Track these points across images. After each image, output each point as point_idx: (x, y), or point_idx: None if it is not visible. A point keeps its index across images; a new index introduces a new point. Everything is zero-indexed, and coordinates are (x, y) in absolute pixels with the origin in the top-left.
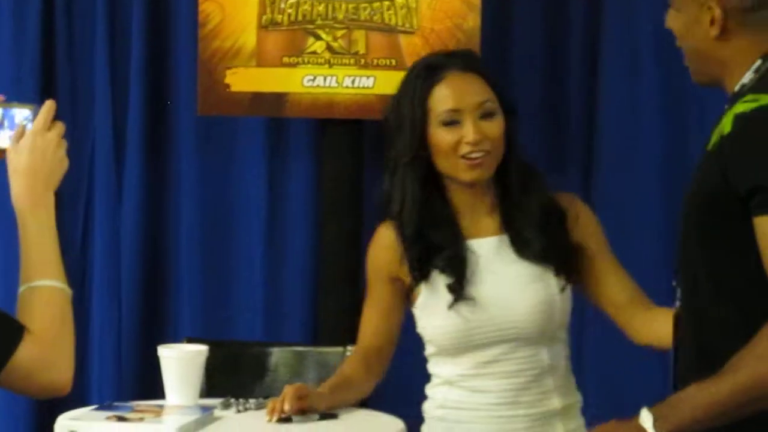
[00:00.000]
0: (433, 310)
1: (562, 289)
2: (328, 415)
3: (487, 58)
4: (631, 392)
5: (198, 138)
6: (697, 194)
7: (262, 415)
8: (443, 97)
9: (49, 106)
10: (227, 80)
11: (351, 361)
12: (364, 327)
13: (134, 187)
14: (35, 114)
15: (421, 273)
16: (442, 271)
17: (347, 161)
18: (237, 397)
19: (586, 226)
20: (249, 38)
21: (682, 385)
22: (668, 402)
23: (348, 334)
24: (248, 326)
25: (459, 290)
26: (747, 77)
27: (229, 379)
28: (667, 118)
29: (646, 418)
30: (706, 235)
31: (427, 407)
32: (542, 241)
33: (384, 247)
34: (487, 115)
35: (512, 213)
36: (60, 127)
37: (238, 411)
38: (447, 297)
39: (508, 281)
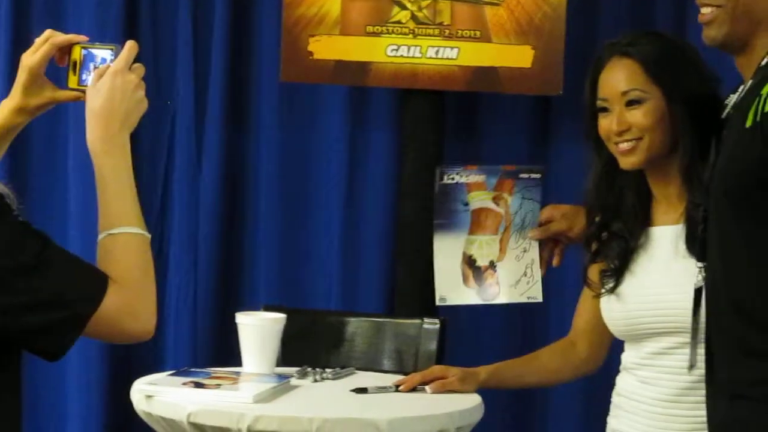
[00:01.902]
0: (604, 297)
1: None
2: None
3: (573, 32)
4: None
5: (279, 105)
6: (734, 170)
7: (338, 384)
8: (600, 84)
9: (130, 46)
10: (310, 47)
11: (554, 343)
12: (578, 308)
13: (214, 153)
14: (117, 54)
15: (594, 255)
16: (606, 257)
17: (428, 132)
18: (314, 366)
19: None
20: (333, 6)
21: (716, 358)
22: None
23: (424, 306)
24: (324, 295)
25: (613, 279)
26: None
27: (306, 347)
28: None
29: None
30: (743, 209)
31: (613, 393)
32: None
33: None
34: (632, 103)
35: (691, 205)
36: (140, 69)
37: (315, 380)
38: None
39: (673, 274)
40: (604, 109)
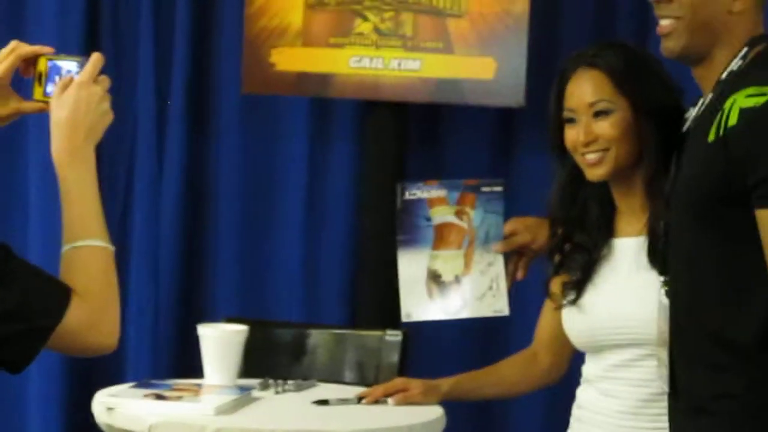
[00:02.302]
0: (566, 309)
1: None
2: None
3: (535, 44)
4: None
5: (241, 116)
6: (698, 185)
7: (300, 396)
8: (566, 95)
9: (96, 58)
10: (272, 59)
11: (516, 355)
12: (540, 320)
13: (175, 166)
14: (82, 66)
15: (557, 267)
16: (569, 269)
17: (390, 144)
18: (275, 378)
19: None
20: (296, 17)
21: (679, 371)
22: None
23: (386, 318)
24: (286, 307)
25: (574, 291)
26: (735, 64)
27: (267, 359)
28: None
29: None
30: (707, 224)
31: (573, 406)
32: None
33: None
34: (600, 114)
35: (653, 217)
36: (105, 81)
37: (277, 392)
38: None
39: (636, 286)
40: (571, 120)
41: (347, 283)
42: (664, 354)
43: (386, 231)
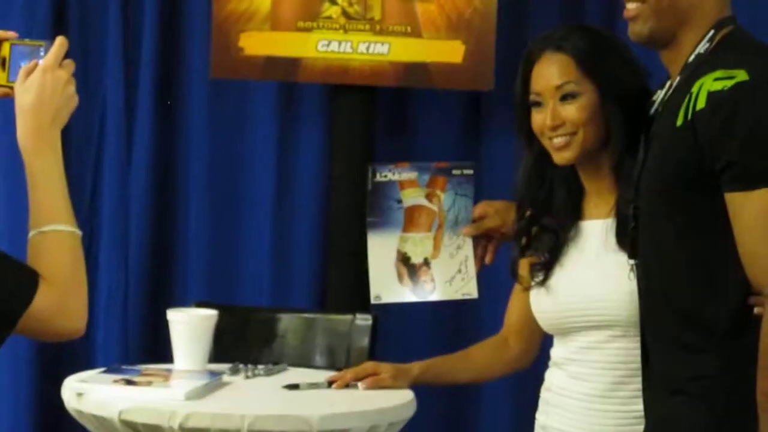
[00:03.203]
0: (533, 290)
1: None
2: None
3: (504, 27)
4: None
5: (210, 101)
6: (666, 169)
7: (270, 381)
8: (533, 78)
9: (60, 42)
10: (241, 43)
11: (487, 340)
12: (510, 305)
13: (144, 149)
14: (47, 50)
15: (524, 249)
16: (536, 251)
17: (359, 128)
18: (246, 363)
19: None
20: (263, 1)
21: (652, 353)
22: None
23: (356, 302)
24: (255, 291)
25: (542, 273)
26: (702, 46)
27: (237, 344)
28: None
29: None
30: (675, 207)
31: (542, 389)
32: None
33: None
34: (567, 98)
35: (620, 199)
36: (70, 65)
37: (247, 377)
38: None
39: (604, 268)
40: (538, 104)
41: (317, 267)
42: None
43: (356, 215)
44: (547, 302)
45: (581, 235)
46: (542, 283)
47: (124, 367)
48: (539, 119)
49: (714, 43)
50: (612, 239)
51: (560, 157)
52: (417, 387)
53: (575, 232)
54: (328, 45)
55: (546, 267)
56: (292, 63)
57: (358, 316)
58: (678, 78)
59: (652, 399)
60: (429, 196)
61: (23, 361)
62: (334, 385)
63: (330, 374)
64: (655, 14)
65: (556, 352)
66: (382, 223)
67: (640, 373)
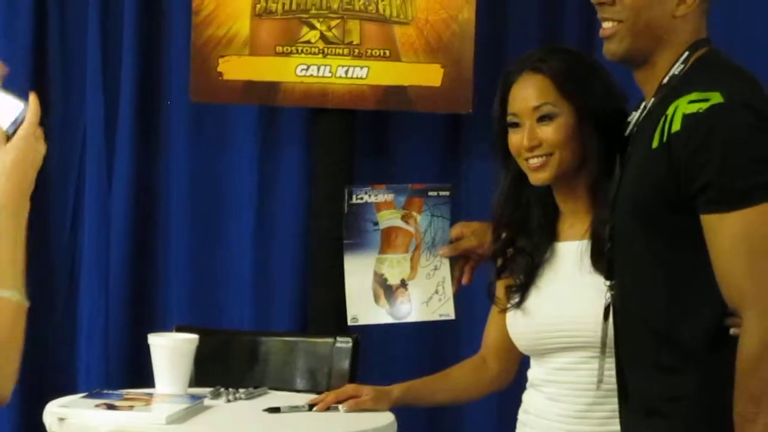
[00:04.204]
0: (510, 312)
1: None
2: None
3: (482, 50)
4: None
5: (190, 126)
6: (641, 191)
7: (252, 404)
8: (510, 99)
9: (36, 107)
10: (220, 68)
11: (465, 361)
12: (487, 326)
13: (125, 174)
14: (24, 112)
15: (500, 270)
16: (512, 273)
17: (339, 151)
18: (227, 387)
19: None
20: (243, 26)
21: (628, 373)
22: None
23: (337, 325)
24: (237, 315)
25: (518, 294)
26: (676, 68)
27: (219, 368)
28: None
29: None
30: (651, 229)
31: (519, 410)
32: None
33: None
34: (544, 119)
35: (596, 221)
36: (41, 135)
37: (228, 400)
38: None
39: (579, 289)
40: (515, 125)
41: (298, 289)
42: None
43: (336, 237)
44: (522, 324)
45: (556, 256)
46: (518, 305)
47: (105, 391)
48: (516, 140)
49: (688, 65)
50: (587, 261)
51: (536, 178)
52: (398, 409)
53: (551, 254)
54: (307, 69)
55: (521, 289)
56: (272, 87)
57: (339, 339)
58: (653, 99)
59: (627, 420)
60: (405, 218)
61: None
62: (315, 408)
63: (311, 397)
64: (630, 34)
65: (533, 373)
66: (359, 245)
67: (615, 393)
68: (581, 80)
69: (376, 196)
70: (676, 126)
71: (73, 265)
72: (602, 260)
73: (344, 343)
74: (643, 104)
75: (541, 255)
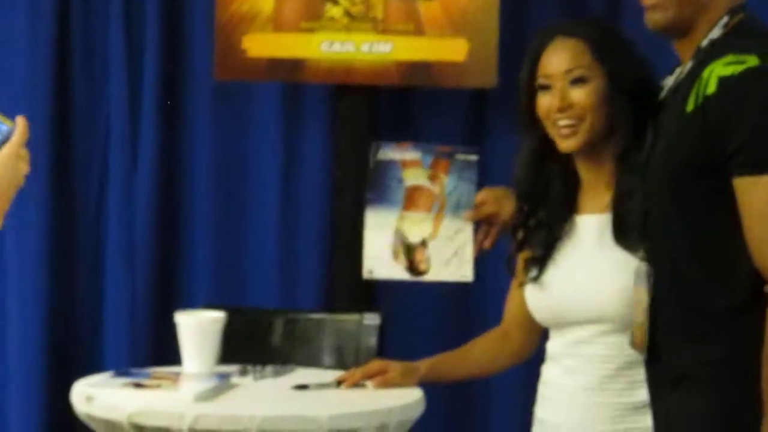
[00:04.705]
0: (528, 285)
1: None
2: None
3: (505, 24)
4: None
5: (214, 103)
6: (673, 153)
7: (279, 382)
8: (542, 62)
9: (23, 128)
10: (244, 45)
11: (488, 334)
12: (509, 298)
13: (149, 153)
14: (11, 132)
15: (521, 244)
16: (531, 246)
17: (363, 127)
18: (254, 365)
19: None
20: (266, 3)
21: (662, 340)
22: None
23: (363, 301)
24: (263, 293)
25: (537, 268)
26: (715, 32)
27: (246, 346)
28: None
29: None
30: (684, 197)
31: (539, 384)
32: (640, 229)
33: None
34: (577, 82)
35: (619, 194)
36: (27, 155)
37: (255, 378)
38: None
39: (597, 263)
40: (545, 87)
41: (324, 267)
42: (638, 327)
43: (361, 214)
44: (540, 297)
45: (576, 229)
46: (536, 279)
47: (133, 370)
48: (546, 102)
49: (727, 29)
50: (607, 235)
51: (566, 145)
52: (425, 384)
53: (570, 227)
54: (331, 45)
55: (539, 262)
56: (296, 64)
57: (366, 315)
58: (689, 63)
59: (656, 387)
60: (431, 178)
61: (33, 366)
62: (343, 385)
63: (339, 374)
64: (675, 3)
65: (552, 345)
66: (381, 200)
67: (633, 365)
68: (615, 47)
69: (402, 153)
70: (711, 88)
71: (98, 246)
72: (624, 235)
73: (371, 320)
74: (679, 69)
75: (560, 228)
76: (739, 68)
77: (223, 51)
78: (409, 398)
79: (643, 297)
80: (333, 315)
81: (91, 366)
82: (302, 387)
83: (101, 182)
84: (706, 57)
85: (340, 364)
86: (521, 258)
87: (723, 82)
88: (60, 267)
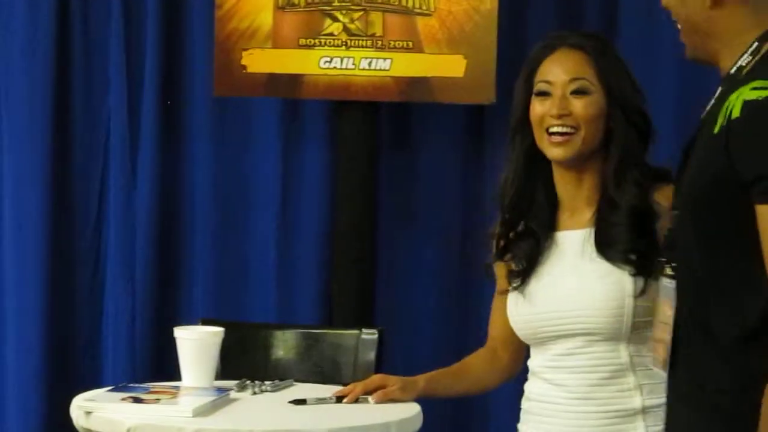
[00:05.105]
0: (511, 297)
1: (641, 292)
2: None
3: (504, 42)
4: None
5: (213, 120)
6: (699, 176)
7: (277, 397)
8: (543, 69)
9: None
10: (243, 61)
11: (479, 351)
12: (492, 317)
13: (148, 169)
14: None
15: (501, 253)
16: (514, 257)
17: (362, 143)
18: (253, 379)
19: None
20: (265, 19)
21: (683, 356)
22: None
23: (360, 318)
24: (262, 308)
25: (519, 279)
26: (744, 59)
27: (244, 360)
28: (683, 95)
29: None
30: (704, 218)
31: (522, 401)
32: (625, 243)
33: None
34: (578, 92)
35: (604, 208)
36: None
37: (254, 393)
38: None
39: (580, 276)
40: (544, 94)
41: (323, 282)
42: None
43: (360, 230)
44: (523, 311)
45: (557, 245)
46: (518, 290)
47: (131, 385)
48: (543, 107)
49: (759, 55)
50: (589, 248)
51: (556, 152)
52: (422, 399)
53: (551, 242)
54: (330, 62)
55: (522, 274)
56: (295, 80)
57: (365, 330)
58: (719, 89)
59: (673, 401)
60: None
61: (31, 380)
62: (344, 400)
63: (337, 389)
64: (687, 35)
65: (535, 362)
66: None
67: (623, 373)
68: (616, 66)
69: None
70: (736, 112)
71: (98, 260)
72: (608, 247)
73: (370, 335)
74: (712, 98)
75: (543, 242)
76: (764, 94)
77: (223, 67)
78: (408, 412)
79: (668, 315)
80: (331, 330)
81: (89, 380)
82: (300, 402)
83: (101, 197)
84: (734, 83)
85: (338, 379)
86: (501, 268)
87: (748, 105)
88: (59, 281)
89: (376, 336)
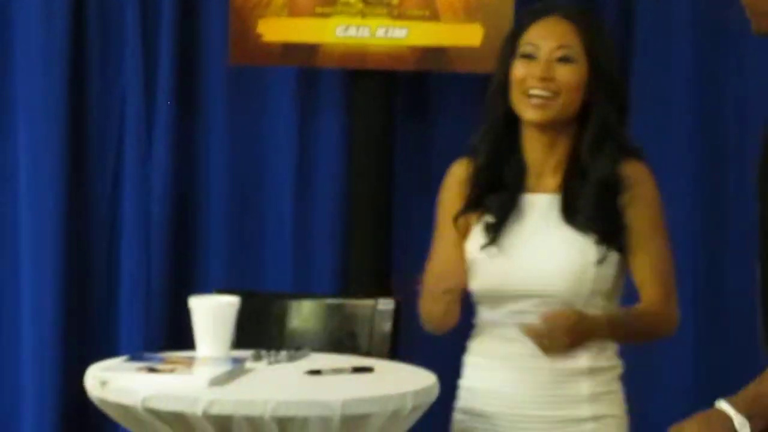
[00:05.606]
0: (473, 250)
1: (601, 260)
2: (361, 368)
3: (521, 9)
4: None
5: (228, 88)
6: None
7: (293, 367)
8: (531, 32)
9: None
10: (259, 30)
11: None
12: (432, 263)
13: (164, 138)
14: None
15: (475, 203)
16: (489, 210)
17: (378, 112)
18: (268, 349)
19: (637, 203)
20: None
21: None
22: (756, 400)
23: (378, 286)
24: (277, 278)
25: (494, 233)
26: None
27: (260, 330)
28: (701, 75)
29: (734, 417)
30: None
31: (466, 357)
32: (590, 211)
33: (454, 183)
34: (564, 60)
35: (572, 176)
36: None
37: (269, 363)
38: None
39: (544, 241)
40: (529, 56)
41: (339, 252)
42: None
43: (377, 199)
44: (491, 268)
45: (522, 207)
46: (488, 247)
47: (146, 354)
48: (526, 69)
49: None
50: (554, 214)
51: (532, 114)
52: (440, 370)
53: (520, 204)
54: (346, 30)
55: (495, 229)
56: (311, 49)
57: (381, 301)
58: None
59: None
60: None
61: (47, 350)
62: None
63: (353, 359)
64: (750, 14)
65: (484, 317)
66: None
67: None
68: (603, 42)
69: None
70: None
71: (113, 230)
72: (574, 214)
73: (386, 305)
74: None
75: (511, 204)
76: None
77: (238, 36)
78: (424, 383)
79: None
80: (348, 300)
81: (105, 350)
82: (316, 372)
83: (116, 167)
84: None
85: (354, 349)
86: (468, 222)
87: None
88: (75, 251)
89: (392, 306)
